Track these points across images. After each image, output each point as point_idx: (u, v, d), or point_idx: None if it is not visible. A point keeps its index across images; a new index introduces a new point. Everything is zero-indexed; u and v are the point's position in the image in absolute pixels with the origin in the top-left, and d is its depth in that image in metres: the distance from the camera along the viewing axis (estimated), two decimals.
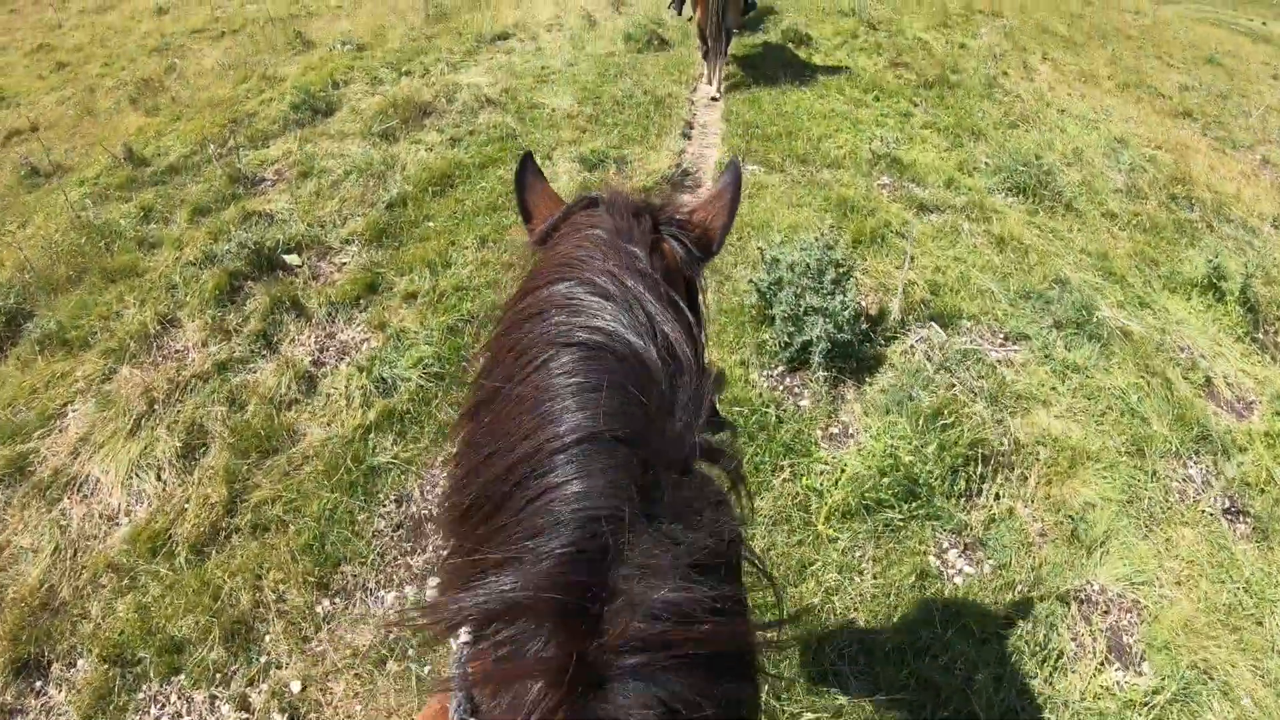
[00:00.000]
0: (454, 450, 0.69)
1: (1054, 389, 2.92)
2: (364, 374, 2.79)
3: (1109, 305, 3.50)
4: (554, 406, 0.57)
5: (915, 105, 5.55)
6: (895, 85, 5.89)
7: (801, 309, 2.80)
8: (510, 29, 7.22)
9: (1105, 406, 2.88)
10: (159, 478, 2.47)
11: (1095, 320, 3.25)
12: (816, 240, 3.05)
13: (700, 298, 0.86)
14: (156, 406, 2.71)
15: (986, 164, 4.76)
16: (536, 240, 0.84)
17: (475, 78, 5.66)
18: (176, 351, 3.05)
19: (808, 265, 2.89)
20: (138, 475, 2.48)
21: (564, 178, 4.04)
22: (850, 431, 2.67)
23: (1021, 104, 6.17)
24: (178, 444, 2.55)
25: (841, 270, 2.93)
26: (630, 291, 0.63)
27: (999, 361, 3.03)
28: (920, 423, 2.54)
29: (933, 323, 3.13)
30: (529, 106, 5.12)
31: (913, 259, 3.30)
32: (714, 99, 5.66)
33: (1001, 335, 3.21)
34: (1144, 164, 5.52)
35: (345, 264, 3.59)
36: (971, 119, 5.43)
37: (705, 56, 5.75)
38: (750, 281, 3.08)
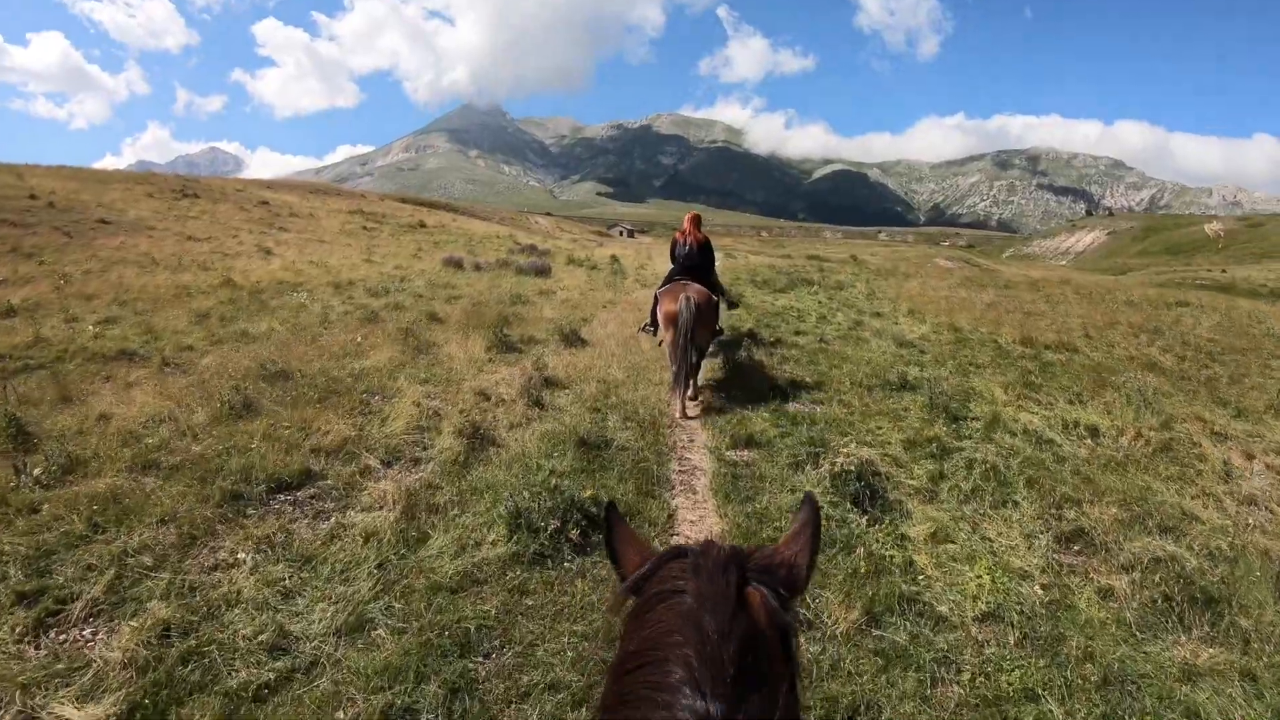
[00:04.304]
0: None
1: None
2: None
3: None
4: None
5: None
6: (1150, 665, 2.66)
7: None
8: (321, 464, 4.30)
9: None
10: None
11: None
12: None
13: (794, 642, 0.83)
14: None
15: None
16: (627, 589, 0.89)
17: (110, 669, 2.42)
18: None
19: None
20: None
21: None
22: None
23: None
24: None
25: None
26: (713, 673, 0.69)
27: None
28: None
29: None
30: None
31: None
32: (687, 417, 5.46)
33: None
34: None
35: None
36: None
37: (674, 380, 5.49)
38: None
